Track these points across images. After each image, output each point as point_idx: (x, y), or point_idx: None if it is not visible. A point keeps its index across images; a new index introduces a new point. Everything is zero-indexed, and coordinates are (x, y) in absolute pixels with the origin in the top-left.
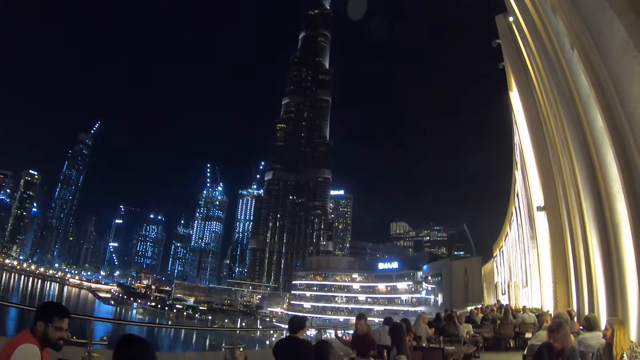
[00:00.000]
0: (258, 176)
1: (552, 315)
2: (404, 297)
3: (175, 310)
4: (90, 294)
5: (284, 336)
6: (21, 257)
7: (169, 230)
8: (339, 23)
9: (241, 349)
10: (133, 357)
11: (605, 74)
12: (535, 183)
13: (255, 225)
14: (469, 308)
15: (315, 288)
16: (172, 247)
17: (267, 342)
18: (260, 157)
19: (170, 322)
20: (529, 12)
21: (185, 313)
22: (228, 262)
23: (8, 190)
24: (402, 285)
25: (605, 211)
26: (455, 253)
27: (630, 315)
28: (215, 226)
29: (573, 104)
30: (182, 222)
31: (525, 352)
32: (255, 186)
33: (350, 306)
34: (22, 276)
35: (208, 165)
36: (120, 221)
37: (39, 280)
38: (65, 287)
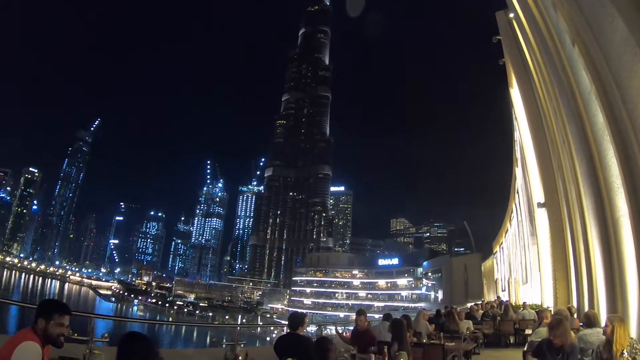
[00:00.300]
0: (258, 172)
1: (552, 312)
2: (404, 293)
3: (175, 307)
4: (91, 291)
5: (285, 332)
6: (22, 255)
7: (169, 227)
8: (338, 19)
9: (242, 346)
10: (136, 355)
11: (606, 70)
12: (535, 179)
13: (256, 222)
14: (468, 304)
15: (315, 284)
16: (173, 244)
17: (268, 339)
18: (260, 153)
19: (171, 319)
20: (529, 9)
21: (185, 309)
22: (228, 258)
23: (8, 188)
24: (402, 281)
25: (605, 207)
26: (455, 249)
27: (631, 312)
28: (216, 223)
29: (574, 100)
30: (183, 218)
31: (525, 349)
32: (255, 182)
33: (350, 302)
34: (23, 274)
35: (208, 162)
36: (121, 218)
37: (40, 278)
38: (66, 285)
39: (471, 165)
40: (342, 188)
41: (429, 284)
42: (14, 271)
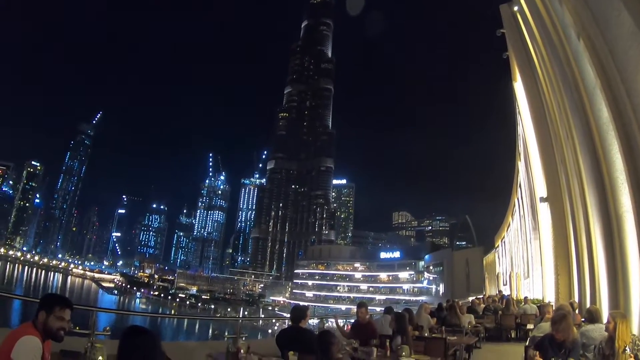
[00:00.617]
0: (260, 165)
1: (554, 307)
2: (405, 286)
3: (178, 300)
4: (93, 283)
5: (287, 325)
6: (24, 248)
7: (172, 219)
8: (341, 11)
9: (244, 338)
10: (138, 348)
11: (612, 65)
12: (538, 174)
13: (258, 214)
14: (470, 298)
15: (317, 277)
16: (175, 237)
17: (270, 331)
18: (262, 146)
19: (173, 312)
20: (534, 2)
21: (188, 302)
22: (230, 251)
23: (11, 182)
24: (403, 274)
25: (608, 202)
26: (457, 243)
27: (633, 308)
28: (218, 215)
29: (578, 95)
30: (185, 211)
31: (527, 344)
32: (257, 175)
33: (352, 295)
34: (26, 267)
35: (210, 154)
36: (123, 211)
37: (43, 271)
38: (69, 278)
39: (474, 159)
40: (344, 181)
41: (431, 278)
42: (16, 264)
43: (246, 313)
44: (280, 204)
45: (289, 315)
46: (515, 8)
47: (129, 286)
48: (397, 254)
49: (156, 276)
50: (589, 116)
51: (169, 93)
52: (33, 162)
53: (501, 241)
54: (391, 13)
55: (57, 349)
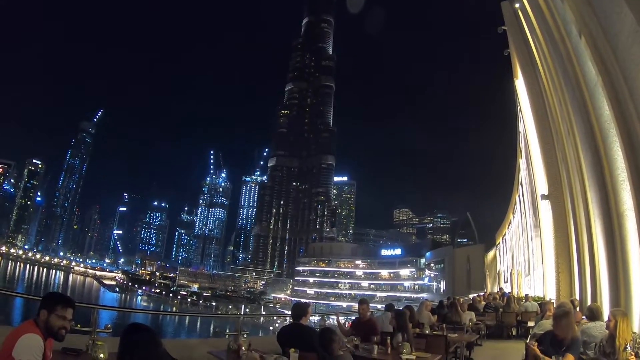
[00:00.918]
0: (261, 163)
1: (555, 304)
2: (406, 283)
3: (179, 297)
4: (95, 281)
5: (288, 323)
6: (26, 247)
7: (173, 217)
8: (342, 8)
9: (245, 336)
10: (138, 345)
11: (613, 62)
12: (539, 171)
13: (259, 212)
14: (471, 295)
15: (318, 274)
16: (176, 234)
17: (271, 328)
18: (263, 143)
19: (174, 309)
20: None
21: (189, 299)
22: (232, 248)
23: (12, 180)
24: (404, 271)
25: (610, 200)
26: (458, 240)
27: (634, 306)
28: (219, 213)
29: (579, 92)
30: (186, 209)
31: (528, 341)
32: (258, 172)
33: (353, 292)
34: (27, 265)
35: (211, 151)
36: (124, 209)
37: (44, 269)
38: (70, 275)
39: (475, 156)
40: (345, 178)
41: (432, 275)
42: (18, 262)
43: (247, 310)
44: (282, 201)
45: (290, 313)
46: (517, 5)
47: (130, 284)
48: (398, 251)
49: (157, 274)
50: (590, 113)
51: (170, 91)
52: (34, 161)
53: (502, 238)
54: (392, 10)
55: (58, 347)
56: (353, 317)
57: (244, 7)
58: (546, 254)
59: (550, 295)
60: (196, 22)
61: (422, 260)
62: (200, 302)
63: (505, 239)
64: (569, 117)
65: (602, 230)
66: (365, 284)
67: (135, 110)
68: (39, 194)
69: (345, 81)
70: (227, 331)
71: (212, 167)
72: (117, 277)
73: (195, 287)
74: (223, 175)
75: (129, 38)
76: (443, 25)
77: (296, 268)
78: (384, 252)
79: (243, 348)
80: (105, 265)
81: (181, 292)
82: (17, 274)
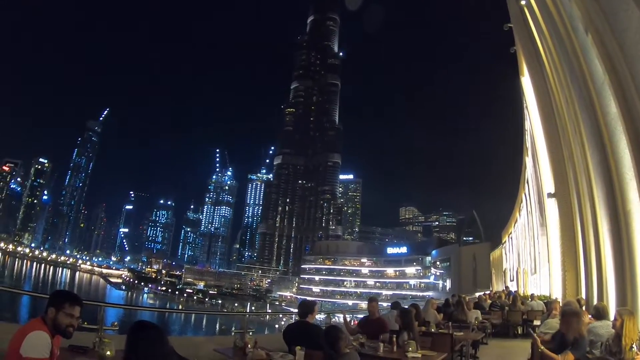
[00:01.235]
0: (267, 161)
1: (561, 303)
2: (412, 282)
3: (185, 295)
4: (101, 279)
5: (294, 320)
6: (33, 245)
7: (179, 215)
8: (347, 6)
9: (251, 333)
10: (145, 343)
11: (620, 59)
12: (546, 169)
13: (265, 210)
14: (477, 294)
15: (324, 272)
16: (182, 232)
17: (277, 326)
18: (269, 141)
19: (180, 307)
20: None
21: (195, 297)
22: (238, 246)
23: (19, 179)
24: (410, 270)
25: (616, 199)
26: (464, 238)
27: None
28: (225, 211)
29: (586, 90)
30: (192, 207)
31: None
32: (264, 171)
33: (359, 290)
34: (35, 263)
35: (217, 150)
36: (131, 207)
37: (51, 267)
38: (77, 273)
39: (481, 154)
40: (351, 176)
41: (438, 273)
42: (25, 261)
43: (253, 308)
44: (288, 199)
45: (296, 310)
46: (523, 2)
47: (136, 281)
48: (404, 249)
49: (164, 271)
50: (597, 111)
51: (175, 89)
52: (41, 159)
53: (508, 237)
54: (397, 7)
55: (65, 344)
56: (359, 316)
57: (249, 5)
58: (552, 252)
59: (557, 294)
60: (202, 20)
61: (428, 259)
62: (207, 299)
63: (512, 237)
64: (576, 115)
65: (609, 229)
66: (371, 282)
67: (141, 108)
68: (45, 192)
69: (351, 79)
70: (233, 329)
71: (218, 165)
72: (123, 275)
73: (201, 285)
74: (229, 173)
75: (134, 37)
76: (451, 23)
77: (302, 266)
78: (390, 250)
79: (249, 346)
80: (111, 263)
81: (187, 290)
82: (24, 272)
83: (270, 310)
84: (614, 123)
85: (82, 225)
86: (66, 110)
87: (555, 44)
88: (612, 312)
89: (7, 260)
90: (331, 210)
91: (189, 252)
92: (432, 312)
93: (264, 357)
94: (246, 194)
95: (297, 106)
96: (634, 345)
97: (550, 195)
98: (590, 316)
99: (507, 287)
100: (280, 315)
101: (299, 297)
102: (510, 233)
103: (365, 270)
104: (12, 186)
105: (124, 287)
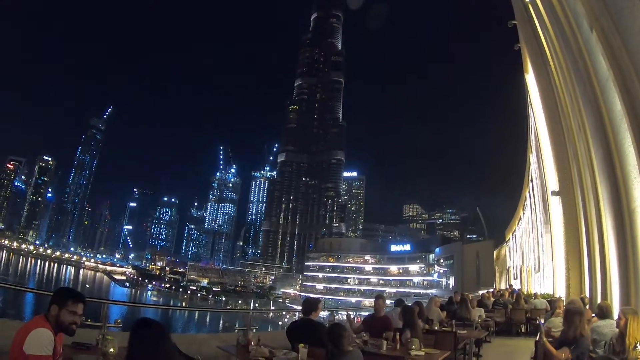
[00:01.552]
0: (271, 158)
1: (565, 302)
2: (415, 279)
3: (189, 292)
4: (105, 276)
5: (297, 318)
6: (37, 242)
7: (183, 212)
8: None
9: (254, 331)
10: (147, 340)
11: (625, 57)
12: (550, 167)
13: (268, 207)
14: (480, 292)
15: (327, 269)
16: (186, 229)
17: (280, 323)
18: (273, 139)
19: (184, 304)
20: None
21: (199, 294)
22: (241, 243)
23: (23, 177)
24: (414, 267)
25: (621, 197)
26: (468, 236)
27: None
28: (229, 208)
29: (591, 87)
30: (196, 204)
31: (537, 338)
32: (268, 168)
33: (362, 288)
34: (39, 261)
35: (221, 147)
36: (135, 204)
37: (55, 264)
38: (81, 270)
39: (485, 151)
40: (354, 173)
41: (441, 271)
42: (29, 258)
43: (257, 305)
44: (291, 197)
45: (299, 308)
46: None
47: (140, 279)
48: (407, 247)
49: (167, 269)
50: (602, 109)
51: (179, 87)
52: (45, 157)
53: (512, 235)
54: (400, 4)
55: (69, 341)
56: (363, 313)
57: (253, 3)
58: (556, 250)
59: (560, 292)
60: (205, 18)
61: (432, 256)
62: (210, 297)
63: (515, 235)
64: (580, 113)
65: (613, 227)
66: (374, 279)
67: (145, 106)
68: (49, 190)
69: (355, 76)
70: (237, 326)
71: (221, 162)
72: (127, 272)
73: (205, 282)
74: (232, 170)
75: (138, 34)
76: (454, 20)
77: (305, 263)
78: (393, 248)
79: (252, 343)
80: (115, 260)
81: (191, 287)
82: (28, 269)
83: (273, 308)
84: (619, 120)
85: (86, 222)
86: (70, 108)
87: (560, 41)
88: (615, 311)
89: (12, 258)
90: (335, 208)
91: (193, 250)
92: (435, 310)
93: (267, 355)
94: (250, 192)
95: (300, 103)
96: (637, 345)
97: (554, 193)
98: (593, 315)
99: (510, 286)
100: (284, 313)
101: (302, 294)
102: (514, 231)
103: (368, 268)
104: (16, 184)
105: (127, 284)
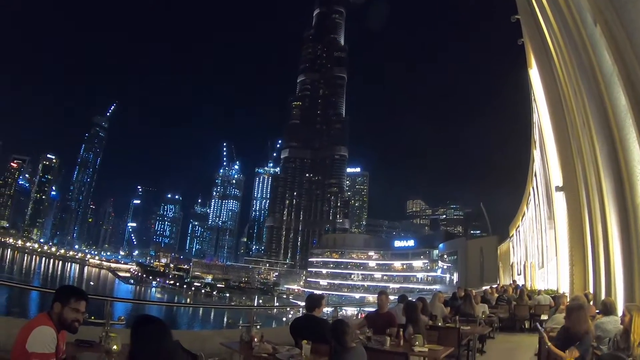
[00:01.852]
0: (274, 154)
1: (569, 298)
2: (419, 275)
3: (193, 288)
4: (110, 273)
5: (301, 314)
6: (42, 240)
7: (187, 209)
8: None
9: (258, 327)
10: (148, 336)
11: (629, 51)
12: (554, 162)
13: (272, 203)
14: (484, 287)
15: (331, 265)
16: (190, 226)
17: (284, 319)
18: (276, 135)
19: (188, 300)
20: None
21: (203, 291)
22: (245, 240)
23: (27, 175)
24: (417, 263)
25: (625, 192)
26: (472, 232)
27: None
28: (232, 204)
29: (595, 82)
30: (199, 201)
31: (541, 332)
32: (271, 164)
33: (366, 284)
34: (43, 258)
35: (224, 143)
36: (138, 201)
37: (60, 262)
38: (86, 268)
39: (489, 147)
40: (358, 169)
41: (445, 267)
42: (34, 256)
43: (261, 301)
44: (295, 193)
45: (303, 304)
46: None
47: (144, 275)
48: (411, 243)
49: (172, 265)
50: (606, 104)
51: (182, 83)
52: (48, 155)
53: (516, 230)
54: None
55: (72, 339)
56: (366, 309)
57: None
58: (560, 246)
59: (564, 288)
60: (208, 14)
61: (435, 252)
62: (214, 293)
63: (519, 231)
64: (584, 108)
65: (617, 223)
66: (378, 275)
67: (148, 103)
68: (53, 188)
69: (357, 72)
70: (240, 322)
71: (225, 159)
72: (131, 269)
73: (209, 278)
74: (236, 167)
75: (140, 31)
76: (458, 15)
77: (309, 259)
78: (397, 244)
79: (255, 339)
80: (119, 257)
81: (195, 284)
82: (33, 267)
83: (277, 304)
84: (623, 115)
85: (90, 220)
86: (73, 107)
87: (564, 35)
88: (620, 308)
89: (17, 256)
90: (338, 204)
91: (197, 246)
92: (439, 305)
93: (270, 351)
94: (253, 188)
95: (303, 99)
96: None
97: (558, 188)
98: (597, 311)
99: (514, 281)
100: (288, 309)
101: (306, 290)
102: (518, 226)
103: (372, 264)
104: (20, 182)
105: (132, 281)
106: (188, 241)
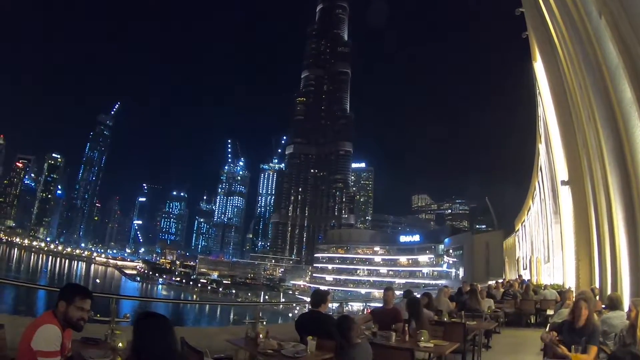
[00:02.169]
0: (279, 150)
1: (575, 293)
2: (425, 270)
3: (199, 285)
4: (116, 271)
5: (307, 310)
6: (48, 239)
7: (192, 206)
8: None
9: (264, 323)
10: (150, 332)
11: (635, 43)
12: (559, 156)
13: (277, 199)
14: (489, 282)
15: (337, 261)
16: (196, 223)
17: (290, 315)
18: (281, 131)
19: (195, 297)
20: None
21: (209, 287)
22: (251, 236)
23: (32, 175)
24: (423, 258)
25: (632, 186)
26: (477, 226)
27: None
28: (238, 201)
29: (600, 74)
30: (205, 197)
31: (546, 329)
32: (276, 160)
33: (371, 279)
34: (50, 257)
35: (229, 140)
36: (144, 199)
37: (66, 260)
38: (92, 266)
39: (494, 141)
40: (363, 164)
41: (450, 261)
42: (40, 255)
43: (267, 297)
44: (300, 189)
45: (309, 300)
46: None
47: (151, 273)
48: (416, 238)
49: (178, 262)
50: (612, 96)
51: (186, 81)
52: (54, 154)
53: (521, 225)
54: None
55: (78, 336)
56: (372, 305)
57: None
58: (566, 241)
59: (570, 283)
60: (211, 11)
61: (441, 247)
62: (220, 289)
63: (525, 226)
64: (590, 101)
65: (624, 217)
66: (383, 270)
67: (152, 101)
68: (59, 187)
69: (362, 67)
70: (246, 319)
71: (230, 155)
72: (138, 267)
73: (215, 275)
74: (241, 163)
75: (143, 30)
76: (460, 8)
77: (315, 255)
78: (403, 239)
79: (261, 336)
80: (126, 255)
81: (201, 280)
82: (40, 265)
83: (283, 300)
84: (629, 108)
85: (96, 218)
86: (78, 105)
87: (568, 28)
88: (626, 303)
89: (23, 255)
90: (343, 199)
91: (203, 243)
92: (444, 300)
93: (275, 347)
94: (258, 184)
95: (308, 95)
96: None
97: (564, 182)
98: (603, 306)
99: (520, 276)
100: (294, 304)
101: (312, 285)
102: (524, 221)
103: (378, 259)
104: (26, 182)
105: (138, 279)
106: (194, 238)
